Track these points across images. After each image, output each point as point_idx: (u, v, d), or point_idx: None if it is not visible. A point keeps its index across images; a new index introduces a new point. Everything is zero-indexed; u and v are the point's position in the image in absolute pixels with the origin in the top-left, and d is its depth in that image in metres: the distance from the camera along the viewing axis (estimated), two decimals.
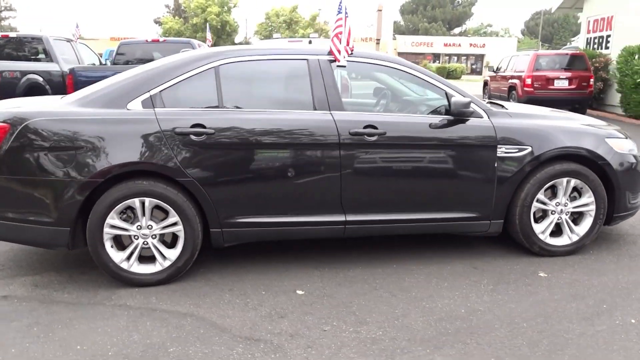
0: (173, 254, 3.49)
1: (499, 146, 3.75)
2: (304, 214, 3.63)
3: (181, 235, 3.47)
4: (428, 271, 3.73)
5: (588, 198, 3.93)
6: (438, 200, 3.78)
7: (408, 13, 79.04)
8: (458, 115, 3.71)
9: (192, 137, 3.42)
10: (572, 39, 70.02)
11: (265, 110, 3.63)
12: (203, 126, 3.44)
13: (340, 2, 3.69)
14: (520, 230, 3.86)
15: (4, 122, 3.31)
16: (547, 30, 73.95)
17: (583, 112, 13.21)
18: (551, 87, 12.87)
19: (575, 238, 3.98)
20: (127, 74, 3.74)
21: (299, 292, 3.41)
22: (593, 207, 3.94)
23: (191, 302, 3.28)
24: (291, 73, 3.80)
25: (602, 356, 2.70)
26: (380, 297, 3.33)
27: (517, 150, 3.77)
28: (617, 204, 3.98)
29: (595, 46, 16.35)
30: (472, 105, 3.73)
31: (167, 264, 3.49)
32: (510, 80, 13.82)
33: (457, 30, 79.62)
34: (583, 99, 13.03)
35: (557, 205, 3.93)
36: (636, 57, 12.35)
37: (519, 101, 13.24)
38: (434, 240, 4.23)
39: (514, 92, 13.55)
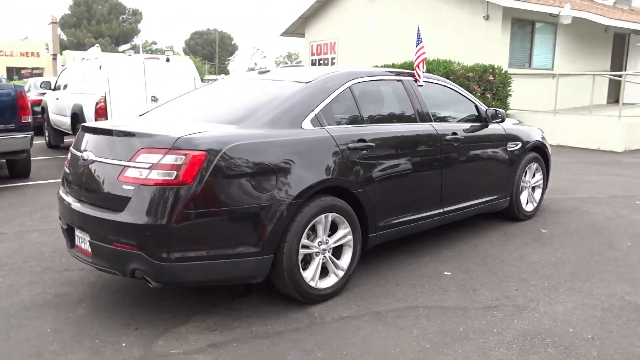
0: (344, 263, 3.67)
1: (508, 142, 5.13)
2: (424, 209, 4.27)
3: (351, 244, 3.69)
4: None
5: (540, 175, 5.68)
6: (487, 186, 4.92)
7: (70, 27, 73.76)
8: (488, 120, 4.93)
9: (360, 151, 3.70)
10: (230, 57, 77.87)
11: (392, 124, 4.13)
12: (364, 140, 3.75)
13: (419, 32, 4.44)
14: (516, 202, 5.34)
15: (202, 150, 2.96)
16: (207, 50, 79.82)
17: None
18: None
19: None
20: (270, 93, 3.74)
21: (446, 273, 4.08)
22: (542, 177, 5.70)
23: (394, 299, 3.60)
24: (394, 91, 4.35)
25: None
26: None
27: (514, 145, 5.22)
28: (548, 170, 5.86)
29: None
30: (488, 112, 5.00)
31: (340, 274, 3.65)
32: None
33: (125, 47, 78.45)
34: None
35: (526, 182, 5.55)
36: None
37: None
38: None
39: None
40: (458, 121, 4.86)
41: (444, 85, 4.88)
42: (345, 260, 3.66)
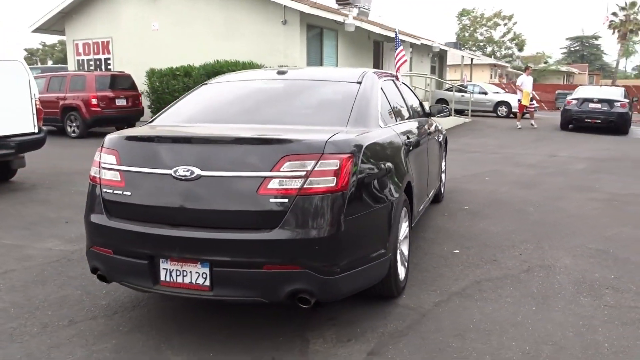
0: (406, 253, 3.86)
1: (440, 131, 5.89)
2: (425, 197, 4.67)
3: (407, 234, 3.90)
4: None
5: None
6: (437, 171, 5.56)
7: None
8: (431, 115, 5.59)
9: (408, 146, 3.90)
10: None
11: (407, 120, 4.40)
12: (409, 135, 4.01)
13: (397, 37, 4.75)
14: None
15: (349, 153, 2.83)
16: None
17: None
18: (114, 106, 13.67)
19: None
20: (333, 93, 3.65)
21: (455, 251, 4.58)
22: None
23: (451, 280, 3.94)
24: (397, 90, 4.55)
25: None
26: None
27: (442, 134, 6.00)
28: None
29: (93, 68, 17.71)
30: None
31: (405, 264, 3.84)
32: (65, 101, 13.45)
33: None
34: (137, 116, 14.50)
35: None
36: (152, 77, 14.89)
37: (86, 121, 13.34)
38: None
39: (74, 112, 13.40)
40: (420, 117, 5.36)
41: (404, 84, 5.32)
42: (406, 250, 3.82)
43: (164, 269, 2.81)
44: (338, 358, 2.85)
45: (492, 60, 43.42)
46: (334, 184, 2.70)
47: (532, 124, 16.65)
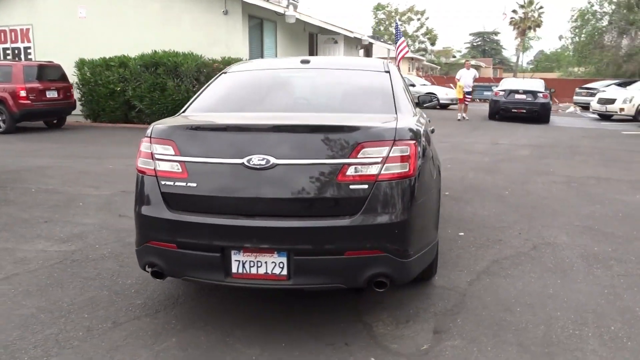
0: None
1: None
2: None
3: None
4: None
5: None
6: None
7: None
8: (419, 105, 5.76)
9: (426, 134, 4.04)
10: None
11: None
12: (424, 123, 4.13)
13: (397, 28, 4.84)
14: None
15: (414, 140, 2.89)
16: None
17: (63, 123, 13.92)
18: (45, 98, 12.75)
19: None
20: (368, 82, 3.71)
21: (460, 233, 4.80)
22: None
23: (471, 262, 4.15)
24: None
25: None
26: None
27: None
28: None
29: (10, 57, 16.38)
30: None
31: None
32: None
33: None
34: (70, 109, 13.63)
35: None
36: (84, 67, 14.12)
37: (14, 115, 12.35)
38: None
39: (0, 106, 12.35)
40: None
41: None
42: None
43: (236, 260, 2.75)
44: (406, 339, 2.93)
45: (409, 54, 45.00)
46: (406, 170, 2.77)
47: (463, 117, 17.34)
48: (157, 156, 2.88)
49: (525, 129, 14.48)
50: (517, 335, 2.95)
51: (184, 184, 2.79)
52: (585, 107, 22.74)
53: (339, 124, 2.88)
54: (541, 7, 62.75)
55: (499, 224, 5.09)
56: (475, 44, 77.29)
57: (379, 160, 2.71)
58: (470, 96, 17.61)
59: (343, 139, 2.75)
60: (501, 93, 16.76)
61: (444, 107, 22.33)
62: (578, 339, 2.91)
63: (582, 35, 41.41)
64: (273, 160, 2.70)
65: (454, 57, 67.04)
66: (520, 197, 6.20)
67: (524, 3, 62.77)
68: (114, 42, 14.50)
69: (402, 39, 5.07)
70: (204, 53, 13.75)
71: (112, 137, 12.20)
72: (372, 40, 25.57)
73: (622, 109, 17.15)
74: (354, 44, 23.11)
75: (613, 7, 39.14)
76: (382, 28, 62.59)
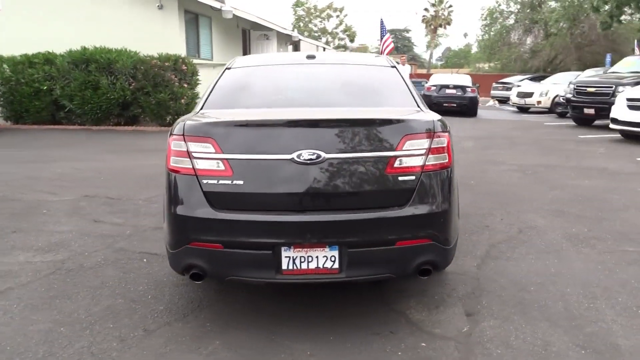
0: None
1: None
2: None
3: None
4: None
5: None
6: None
7: None
8: None
9: None
10: None
11: None
12: None
13: (383, 25, 4.94)
14: None
15: (447, 131, 3.03)
16: None
17: None
18: None
19: None
20: (377, 77, 3.81)
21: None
22: None
23: (490, 243, 4.36)
24: None
25: None
26: None
27: None
28: None
29: None
30: None
31: None
32: None
33: None
34: None
35: None
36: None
37: None
38: None
39: None
40: None
41: None
42: None
43: (286, 257, 2.73)
44: (444, 323, 3.05)
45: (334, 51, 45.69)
46: (446, 160, 2.89)
47: None
48: (195, 154, 2.79)
49: (459, 123, 15.21)
50: (542, 312, 3.16)
51: (229, 182, 2.73)
52: (503, 100, 24.23)
53: (385, 117, 2.94)
54: (451, 6, 65.94)
55: (479, 211, 5.36)
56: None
57: (423, 151, 2.81)
58: None
59: (389, 132, 2.81)
60: (433, 88, 17.49)
61: None
62: (595, 311, 3.16)
63: (492, 33, 43.99)
64: (323, 154, 2.71)
65: (372, 53, 68.90)
66: (487, 186, 6.55)
67: (435, 2, 65.70)
68: (36, 38, 13.60)
69: (388, 35, 5.18)
70: (137, 49, 13.20)
71: (43, 139, 11.43)
72: (301, 37, 25.70)
73: (539, 102, 18.45)
74: (284, 40, 23.13)
75: (518, 6, 41.91)
76: (302, 24, 62.94)
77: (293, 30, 23.64)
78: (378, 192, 2.76)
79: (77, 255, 4.18)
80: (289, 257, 2.74)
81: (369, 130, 2.82)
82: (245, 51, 19.45)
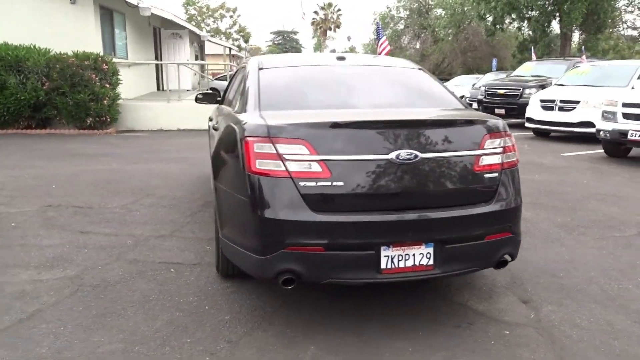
0: None
1: None
2: None
3: None
4: None
5: None
6: None
7: None
8: None
9: None
10: None
11: None
12: None
13: (379, 27, 5.05)
14: None
15: (509, 130, 3.27)
16: None
17: None
18: None
19: None
20: (410, 78, 3.94)
21: None
22: None
23: None
24: None
25: None
26: None
27: None
28: None
29: None
30: None
31: None
32: None
33: None
34: None
35: None
36: None
37: None
38: None
39: None
40: None
41: None
42: None
43: (385, 256, 2.76)
44: (509, 312, 3.24)
45: (234, 51, 45.01)
46: (516, 158, 3.09)
47: None
48: (287, 157, 2.71)
49: None
50: (586, 295, 3.47)
51: (328, 183, 2.70)
52: None
53: (467, 117, 3.07)
54: (339, 10, 68.08)
55: None
56: (276, 42, 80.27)
57: (500, 150, 2.98)
58: None
59: (471, 132, 2.95)
60: None
61: None
62: (627, 292, 3.54)
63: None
64: (419, 154, 2.77)
65: (263, 53, 68.93)
66: None
67: (324, 5, 67.42)
68: None
69: (384, 37, 5.25)
70: (48, 46, 12.12)
71: None
72: (209, 38, 25.09)
73: None
74: (192, 40, 22.45)
75: (407, 12, 44.38)
76: (194, 24, 61.22)
77: (202, 30, 23.01)
78: (468, 189, 2.88)
79: (90, 270, 3.83)
80: (388, 256, 2.76)
81: (454, 130, 2.94)
82: (157, 50, 18.60)
